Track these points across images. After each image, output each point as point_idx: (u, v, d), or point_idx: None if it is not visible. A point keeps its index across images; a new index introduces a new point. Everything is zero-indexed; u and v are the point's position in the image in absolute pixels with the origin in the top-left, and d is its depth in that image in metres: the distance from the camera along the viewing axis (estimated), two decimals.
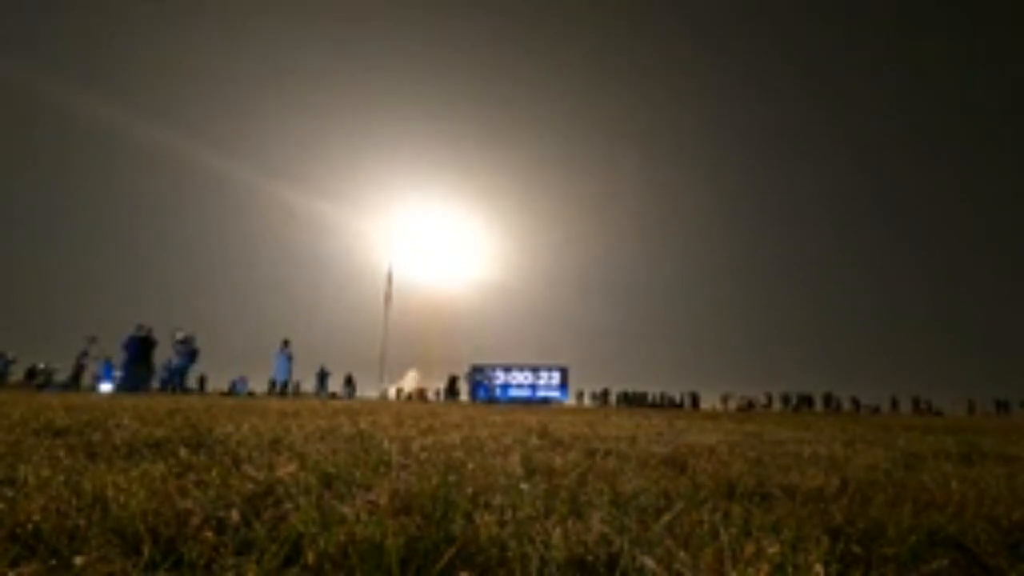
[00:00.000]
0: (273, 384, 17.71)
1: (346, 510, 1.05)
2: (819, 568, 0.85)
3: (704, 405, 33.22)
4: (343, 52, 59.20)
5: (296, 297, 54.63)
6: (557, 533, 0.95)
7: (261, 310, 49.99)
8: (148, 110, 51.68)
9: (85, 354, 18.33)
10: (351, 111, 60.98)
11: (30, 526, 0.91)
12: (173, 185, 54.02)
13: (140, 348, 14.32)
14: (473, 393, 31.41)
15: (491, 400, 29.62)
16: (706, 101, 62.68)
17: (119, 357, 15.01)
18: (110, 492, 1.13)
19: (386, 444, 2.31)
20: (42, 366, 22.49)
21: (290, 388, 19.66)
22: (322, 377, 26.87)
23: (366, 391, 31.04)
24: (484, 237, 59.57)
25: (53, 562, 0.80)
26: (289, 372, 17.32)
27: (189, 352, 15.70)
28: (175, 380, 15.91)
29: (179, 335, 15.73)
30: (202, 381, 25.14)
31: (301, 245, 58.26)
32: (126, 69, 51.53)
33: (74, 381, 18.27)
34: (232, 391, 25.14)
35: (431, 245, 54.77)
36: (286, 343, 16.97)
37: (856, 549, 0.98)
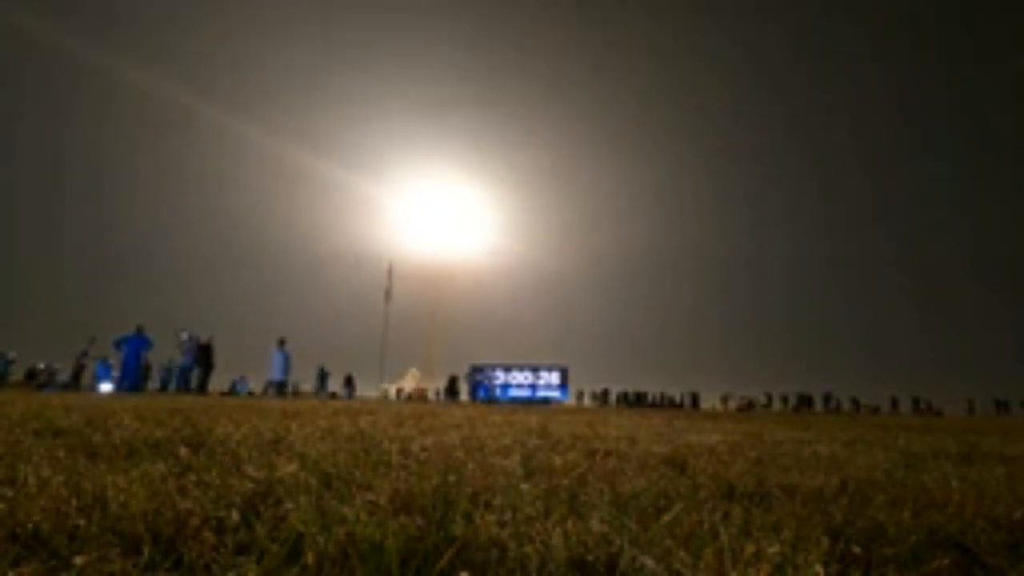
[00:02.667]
0: (273, 384, 17.62)
1: (346, 510, 1.05)
2: (819, 568, 0.85)
3: (704, 405, 33.23)
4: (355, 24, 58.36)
5: (297, 297, 54.65)
6: (557, 533, 0.95)
7: (262, 310, 49.93)
8: (156, 70, 50.16)
9: (85, 354, 18.35)
10: (362, 80, 60.16)
11: (30, 526, 0.91)
12: (174, 178, 53.50)
13: (205, 354, 15.94)
14: (473, 393, 31.41)
15: (491, 400, 29.62)
16: (714, 96, 62.48)
17: (115, 356, 15.16)
18: (110, 492, 1.13)
19: (386, 444, 2.31)
20: (42, 366, 22.51)
21: (289, 388, 19.68)
22: (322, 377, 26.88)
23: (366, 391, 31.08)
24: (489, 213, 59.44)
25: (53, 562, 0.80)
26: (286, 371, 17.21)
27: (192, 352, 15.76)
28: (180, 380, 15.98)
29: (183, 335, 15.78)
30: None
31: (303, 235, 57.85)
32: (140, 28, 49.75)
33: (74, 381, 18.28)
34: (232, 391, 25.13)
35: (437, 218, 54.98)
36: (282, 341, 16.85)
37: (856, 549, 0.98)
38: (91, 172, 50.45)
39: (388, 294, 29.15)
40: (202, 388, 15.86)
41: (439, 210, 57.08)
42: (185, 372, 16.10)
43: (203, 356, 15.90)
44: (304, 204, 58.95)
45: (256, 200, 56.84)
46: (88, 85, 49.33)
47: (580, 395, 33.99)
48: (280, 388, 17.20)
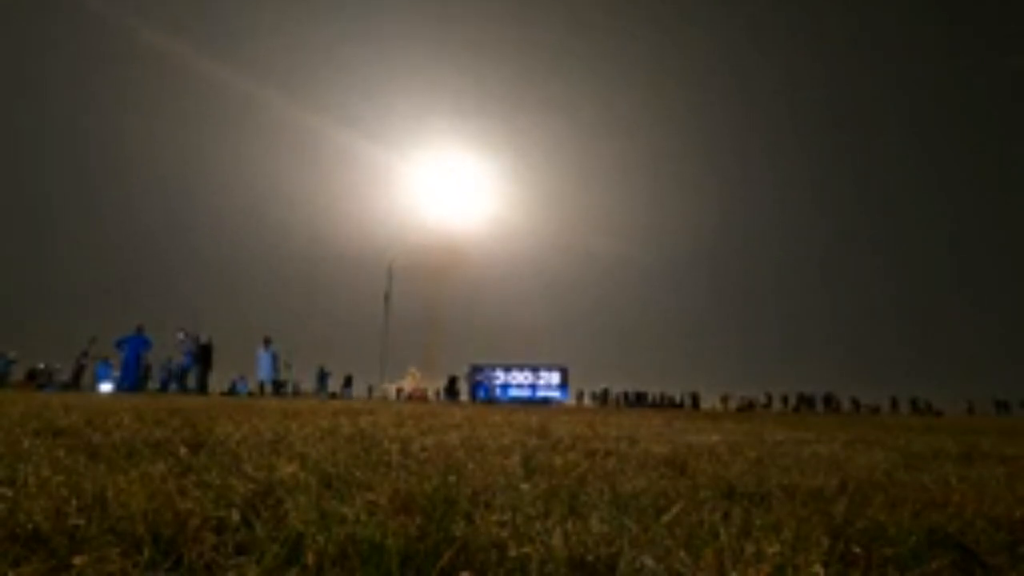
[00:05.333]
0: (262, 385, 17.42)
1: (346, 510, 1.05)
2: (819, 568, 0.85)
3: (704, 405, 33.23)
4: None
5: (297, 296, 54.57)
6: (557, 533, 0.95)
7: (262, 309, 49.84)
8: (155, 24, 48.29)
9: (85, 354, 18.35)
10: (376, 52, 59.37)
11: (30, 526, 0.91)
12: (174, 174, 52.66)
13: (204, 354, 15.81)
14: (473, 393, 31.42)
15: (491, 400, 29.62)
16: (720, 91, 62.32)
17: (116, 356, 15.12)
18: (110, 492, 1.13)
19: (386, 444, 2.31)
20: (42, 366, 22.51)
21: (289, 388, 19.59)
22: (322, 377, 26.88)
23: (366, 391, 31.09)
24: (495, 189, 59.35)
25: (53, 562, 0.80)
26: (274, 370, 17.05)
27: (190, 352, 15.70)
28: (178, 380, 15.91)
29: (180, 335, 15.72)
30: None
31: (305, 233, 57.34)
32: None
33: (74, 381, 18.29)
34: (232, 391, 25.12)
35: (444, 192, 55.23)
36: (267, 341, 16.67)
37: (856, 549, 0.98)
38: (91, 170, 50.37)
39: (388, 296, 29.18)
40: (202, 388, 15.85)
41: (447, 183, 57.43)
42: (183, 372, 15.98)
43: (202, 356, 15.87)
44: (310, 181, 58.33)
45: (258, 192, 56.42)
46: (102, 67, 48.25)
47: (580, 395, 34.00)
48: (276, 387, 17.11)
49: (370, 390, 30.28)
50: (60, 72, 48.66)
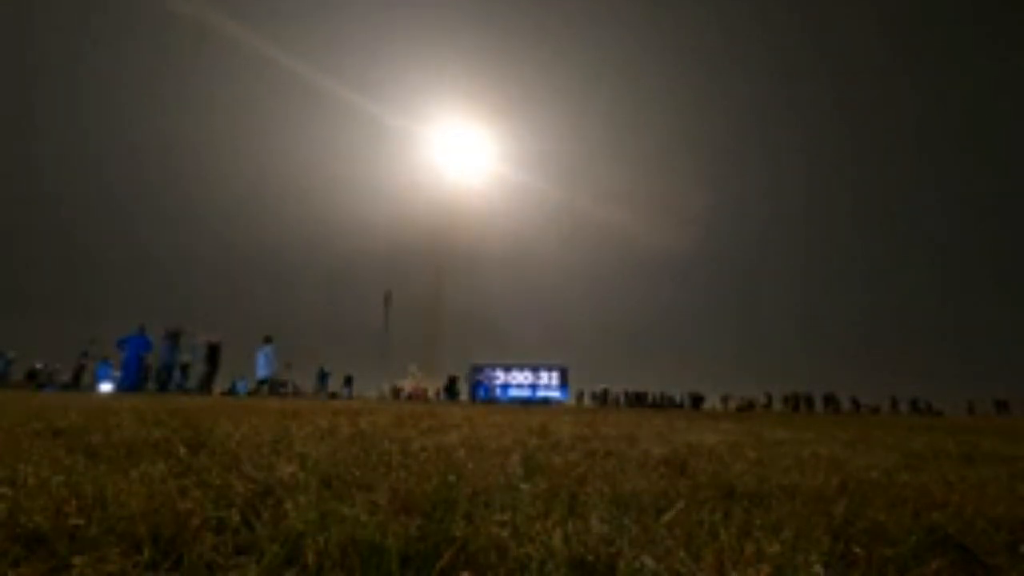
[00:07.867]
0: (260, 383, 17.36)
1: (346, 510, 1.05)
2: (819, 568, 0.85)
3: (704, 405, 33.23)
4: None
5: (297, 294, 54.54)
6: (557, 533, 0.95)
7: (262, 309, 49.79)
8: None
9: (85, 354, 18.38)
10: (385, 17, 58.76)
11: (30, 526, 0.91)
12: (175, 169, 52.14)
13: (211, 354, 16.26)
14: (473, 393, 31.42)
15: (491, 400, 29.62)
16: (721, 90, 62.28)
17: (117, 356, 15.04)
18: (110, 492, 1.13)
19: (386, 444, 2.31)
20: (42, 366, 22.51)
21: (289, 388, 19.52)
22: (322, 377, 26.88)
23: (366, 391, 31.11)
24: (498, 159, 59.25)
25: (53, 562, 0.80)
26: (271, 370, 17.02)
27: (169, 348, 15.50)
28: (163, 377, 15.62)
29: (163, 332, 15.52)
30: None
31: (307, 233, 57.24)
32: None
33: (74, 381, 18.30)
34: (232, 391, 25.11)
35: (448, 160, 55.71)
36: (267, 339, 16.67)
37: (856, 549, 0.98)
38: (91, 169, 50.27)
39: (388, 298, 29.20)
40: (202, 387, 15.82)
41: (448, 152, 57.81)
42: (166, 370, 15.45)
43: (210, 356, 15.89)
44: (311, 168, 58.06)
45: (255, 184, 56.04)
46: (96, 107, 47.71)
47: (580, 395, 33.99)
48: (273, 387, 17.09)
49: (396, 392, 30.16)
50: (56, 59, 48.01)
